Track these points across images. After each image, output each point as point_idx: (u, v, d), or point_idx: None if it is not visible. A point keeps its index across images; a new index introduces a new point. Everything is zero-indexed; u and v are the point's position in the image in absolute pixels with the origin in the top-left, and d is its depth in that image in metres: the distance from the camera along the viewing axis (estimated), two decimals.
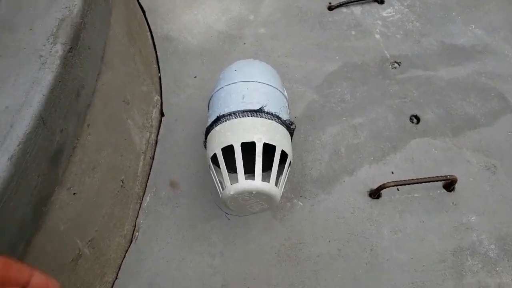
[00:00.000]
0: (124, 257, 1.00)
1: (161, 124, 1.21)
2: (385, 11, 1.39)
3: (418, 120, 1.14)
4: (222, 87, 0.88)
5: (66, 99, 0.77)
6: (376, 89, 1.20)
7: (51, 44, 0.78)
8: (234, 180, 0.78)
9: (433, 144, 1.09)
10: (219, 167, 0.86)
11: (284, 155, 0.82)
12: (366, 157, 1.08)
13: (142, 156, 1.11)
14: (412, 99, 1.17)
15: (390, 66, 1.25)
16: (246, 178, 0.76)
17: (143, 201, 1.08)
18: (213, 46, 1.35)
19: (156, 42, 1.38)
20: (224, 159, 0.80)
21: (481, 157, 1.05)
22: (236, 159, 0.76)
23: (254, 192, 0.76)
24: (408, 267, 0.92)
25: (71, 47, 0.79)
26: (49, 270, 0.77)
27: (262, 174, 0.76)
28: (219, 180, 0.83)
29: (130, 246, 1.02)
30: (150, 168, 1.13)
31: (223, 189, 0.79)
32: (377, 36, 1.32)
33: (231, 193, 0.76)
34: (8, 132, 0.66)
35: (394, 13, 1.38)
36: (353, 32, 1.34)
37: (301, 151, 1.10)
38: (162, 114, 1.23)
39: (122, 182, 1.00)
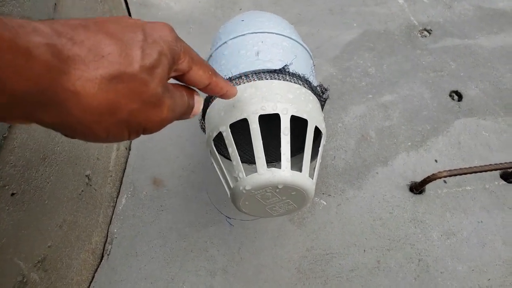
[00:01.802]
0: (93, 279, 0.74)
1: None
2: None
3: (460, 97, 0.92)
4: (225, 42, 0.64)
5: None
6: (406, 61, 0.98)
7: None
8: (250, 171, 0.53)
9: (483, 125, 0.88)
10: (223, 154, 0.62)
11: (317, 134, 0.59)
12: (401, 142, 0.86)
13: (115, 146, 0.85)
14: (450, 72, 0.96)
15: (419, 35, 1.03)
16: (269, 168, 0.52)
17: (117, 204, 0.82)
18: (202, 13, 1.11)
19: (131, 8, 1.12)
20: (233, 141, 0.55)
21: None
22: (253, 139, 0.52)
23: (280, 186, 0.52)
24: (469, 282, 0.70)
25: None
26: None
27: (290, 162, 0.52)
28: (225, 172, 0.58)
29: (101, 263, 0.76)
30: (126, 162, 0.88)
31: (233, 183, 0.55)
32: (400, 1, 1.10)
33: (247, 188, 0.52)
34: None
35: None
36: None
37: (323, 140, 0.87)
38: None
39: (88, 178, 0.74)
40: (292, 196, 0.55)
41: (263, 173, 0.51)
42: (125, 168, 0.87)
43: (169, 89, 0.29)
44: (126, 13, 1.08)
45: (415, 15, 1.07)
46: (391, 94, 0.93)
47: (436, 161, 0.84)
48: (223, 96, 0.39)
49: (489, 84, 0.94)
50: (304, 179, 0.52)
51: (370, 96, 0.93)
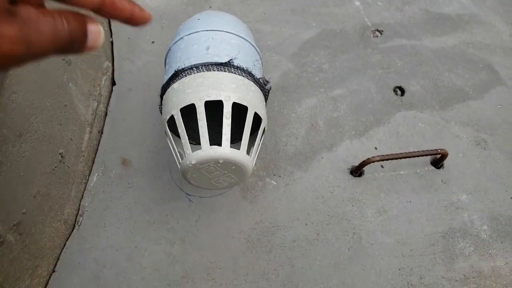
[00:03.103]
0: (64, 246, 0.84)
1: (112, 94, 1.04)
2: None
3: (403, 92, 1.03)
4: (182, 37, 0.73)
5: None
6: (357, 59, 1.09)
7: None
8: (197, 148, 0.63)
9: (420, 117, 0.98)
10: (177, 134, 0.71)
11: (257, 120, 0.68)
12: (346, 131, 0.97)
13: (88, 129, 0.94)
14: (396, 69, 1.07)
15: (371, 35, 1.14)
16: (211, 146, 0.61)
17: (88, 181, 0.91)
18: (175, 9, 1.19)
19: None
20: (184, 124, 0.65)
21: (471, 132, 0.96)
22: (198, 120, 0.62)
23: (221, 161, 0.62)
24: (395, 252, 0.81)
25: None
26: None
27: (230, 144, 0.62)
28: (177, 150, 0.68)
29: (72, 232, 0.85)
30: (98, 144, 0.97)
31: (182, 158, 0.64)
32: (357, 3, 1.20)
33: (193, 162, 0.62)
34: None
35: None
36: None
37: (275, 125, 0.97)
38: (113, 83, 1.06)
39: (61, 156, 0.83)
40: (232, 170, 0.65)
41: (206, 150, 0.61)
42: (97, 149, 0.95)
43: (12, 12, 0.22)
44: None
45: (369, 17, 1.17)
46: (341, 88, 1.03)
47: (376, 148, 0.94)
48: (130, 21, 0.30)
49: (429, 81, 1.05)
50: (241, 155, 0.62)
51: (322, 90, 1.03)
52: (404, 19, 1.17)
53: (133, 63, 1.09)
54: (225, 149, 0.61)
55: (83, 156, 0.91)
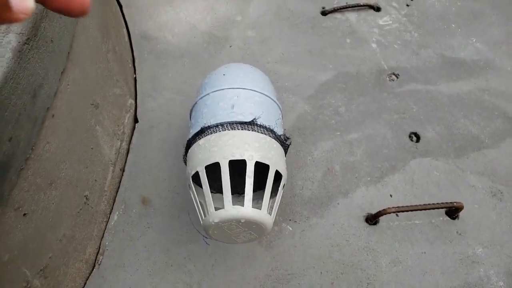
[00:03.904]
0: (85, 285, 0.86)
1: (135, 132, 1.07)
2: (382, 19, 1.31)
3: (418, 138, 1.05)
4: (208, 94, 0.76)
5: (18, 101, 0.63)
6: (373, 103, 1.11)
7: (2, 33, 0.64)
8: (219, 202, 0.66)
9: (435, 165, 1.00)
10: (201, 186, 0.73)
11: (277, 176, 0.71)
12: (362, 177, 0.98)
13: (111, 168, 0.97)
14: (411, 115, 1.08)
15: (387, 78, 1.16)
16: (233, 203, 0.64)
17: (109, 219, 0.94)
18: (196, 48, 1.23)
19: (132, 40, 1.24)
20: (207, 177, 0.68)
21: (487, 182, 0.97)
22: (222, 180, 0.64)
23: (242, 221, 0.64)
24: None
25: (28, 38, 0.65)
26: None
27: (252, 200, 0.65)
28: (200, 203, 0.70)
29: (92, 271, 0.88)
30: (120, 182, 1.00)
31: (205, 215, 0.67)
32: (374, 45, 1.23)
33: (215, 221, 0.64)
34: None
35: (391, 22, 1.30)
36: (348, 40, 1.25)
37: (292, 168, 1.00)
38: (136, 120, 1.09)
39: (86, 198, 0.86)
40: (253, 228, 0.67)
41: (229, 210, 0.63)
42: (118, 188, 0.98)
43: None
44: (128, 47, 1.20)
45: (386, 60, 1.20)
46: (357, 132, 1.05)
47: (391, 196, 0.96)
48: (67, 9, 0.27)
49: (444, 128, 1.06)
50: (262, 215, 0.65)
51: (338, 133, 1.05)
52: (420, 63, 1.19)
53: (155, 100, 1.12)
54: (247, 209, 0.63)
55: (106, 195, 0.94)
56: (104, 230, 0.93)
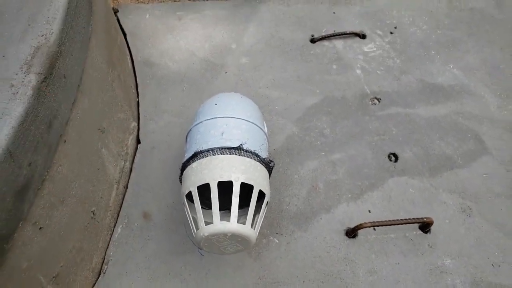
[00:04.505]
0: None
1: (137, 152, 1.18)
2: (367, 46, 1.41)
3: (396, 158, 1.14)
4: (201, 122, 0.87)
5: (36, 131, 0.74)
6: (356, 125, 1.21)
7: (24, 73, 0.75)
8: (209, 217, 0.76)
9: (411, 183, 1.09)
10: (190, 209, 0.83)
11: (261, 194, 0.81)
12: (343, 194, 1.08)
13: (115, 186, 1.07)
14: (391, 136, 1.18)
15: (370, 102, 1.26)
16: (221, 218, 0.74)
17: (114, 232, 1.04)
18: (194, 74, 1.34)
19: (136, 66, 1.36)
20: (199, 194, 0.78)
21: (457, 199, 1.06)
22: (212, 198, 0.74)
23: (229, 234, 0.74)
24: None
25: (45, 77, 0.76)
26: None
27: (238, 215, 0.74)
28: (193, 218, 0.80)
29: (98, 279, 0.98)
30: (123, 198, 1.10)
31: (196, 229, 0.77)
32: (358, 71, 1.34)
33: (205, 234, 0.74)
34: None
35: (375, 49, 1.40)
36: (334, 66, 1.35)
37: (279, 185, 1.09)
38: (138, 141, 1.20)
39: (93, 213, 0.96)
40: (239, 241, 0.77)
41: (217, 225, 0.73)
42: (122, 203, 1.09)
43: None
44: (132, 73, 1.32)
45: (369, 85, 1.30)
46: (340, 152, 1.15)
47: (369, 211, 1.05)
48: None
49: (421, 149, 1.16)
50: (247, 230, 0.74)
51: (323, 153, 1.15)
52: (401, 88, 1.29)
53: (156, 123, 1.23)
54: (232, 225, 0.73)
55: (110, 210, 1.04)
56: (109, 242, 1.03)
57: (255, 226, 0.78)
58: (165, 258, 0.99)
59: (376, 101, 1.26)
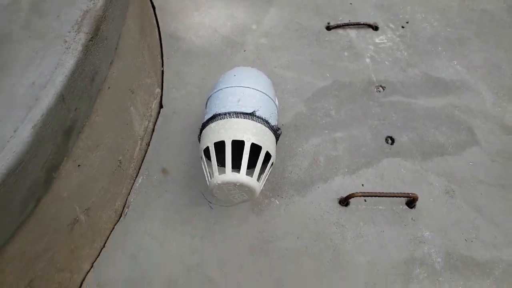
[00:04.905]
0: (113, 229, 1.10)
1: (159, 115, 1.31)
2: (378, 37, 1.51)
3: (393, 141, 1.25)
4: (221, 89, 0.99)
5: (82, 82, 0.87)
6: (360, 109, 1.32)
7: (75, 32, 0.88)
8: (222, 172, 0.88)
9: (403, 165, 1.21)
10: (209, 159, 0.96)
11: (268, 156, 0.93)
12: (341, 168, 1.20)
13: (139, 142, 1.21)
14: (390, 122, 1.29)
15: (375, 89, 1.37)
16: (232, 171, 0.87)
17: (135, 182, 1.18)
18: (216, 49, 1.46)
19: (162, 38, 1.48)
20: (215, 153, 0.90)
21: (443, 182, 1.18)
22: (226, 153, 0.87)
23: (238, 184, 0.87)
24: (364, 269, 1.04)
25: (92, 37, 0.90)
26: (50, 229, 0.87)
27: (246, 171, 0.87)
28: (208, 171, 0.93)
29: (119, 220, 1.12)
30: (145, 154, 1.23)
31: (211, 177, 0.90)
32: (367, 60, 1.44)
33: (218, 182, 0.87)
34: (33, 105, 0.76)
35: (386, 41, 1.50)
36: (346, 54, 1.46)
37: (284, 156, 1.22)
38: (161, 106, 1.33)
39: (120, 162, 1.10)
40: (245, 191, 0.90)
41: (229, 174, 0.86)
42: (143, 158, 1.22)
43: None
44: (159, 44, 1.44)
45: (376, 73, 1.41)
46: (342, 132, 1.27)
47: (362, 185, 1.17)
48: None
49: (416, 135, 1.27)
50: (253, 181, 0.88)
51: (326, 131, 1.27)
52: (406, 79, 1.40)
53: (178, 91, 1.36)
54: (242, 176, 0.86)
55: (134, 162, 1.18)
56: (130, 190, 1.17)
57: (260, 180, 0.91)
58: (179, 208, 1.13)
59: (381, 88, 1.37)
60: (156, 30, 1.49)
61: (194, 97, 1.34)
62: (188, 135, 1.26)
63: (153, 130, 1.27)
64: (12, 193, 0.72)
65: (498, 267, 1.04)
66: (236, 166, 0.90)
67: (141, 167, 1.20)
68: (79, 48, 0.85)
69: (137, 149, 1.19)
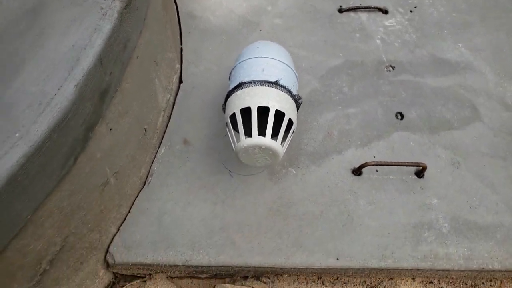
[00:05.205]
0: (138, 195, 1.16)
1: (179, 90, 1.36)
2: (388, 20, 1.58)
3: (402, 117, 1.32)
4: (245, 60, 1.05)
5: (117, 47, 0.92)
6: (371, 86, 1.38)
7: (112, 0, 0.93)
8: (248, 136, 0.94)
9: (412, 138, 1.27)
10: (235, 126, 1.02)
11: (290, 123, 0.99)
12: (354, 141, 1.26)
13: (162, 113, 1.26)
14: (400, 99, 1.36)
15: (385, 69, 1.43)
16: (258, 136, 0.93)
17: (158, 152, 1.23)
18: (232, 29, 1.52)
19: (180, 17, 1.53)
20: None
21: (449, 154, 1.24)
22: (252, 118, 0.93)
23: (263, 147, 0.93)
24: (376, 232, 1.11)
25: (126, 5, 0.94)
26: (84, 188, 0.92)
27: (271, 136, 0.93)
28: (234, 136, 0.99)
29: (143, 187, 1.18)
30: (167, 126, 1.29)
31: (238, 142, 0.96)
32: (378, 41, 1.50)
33: (245, 145, 0.93)
34: (75, 65, 0.81)
35: (395, 24, 1.56)
36: (357, 35, 1.52)
37: (300, 129, 1.28)
38: (180, 81, 1.38)
39: (145, 131, 1.15)
40: (269, 154, 0.96)
41: (254, 138, 0.92)
42: (165, 130, 1.28)
43: None
44: (177, 23, 1.49)
45: (386, 54, 1.47)
46: (355, 108, 1.33)
47: (374, 156, 1.24)
48: None
49: (424, 111, 1.33)
50: (277, 145, 0.94)
51: (340, 107, 1.33)
52: (414, 59, 1.46)
53: (197, 67, 1.41)
54: (267, 139, 0.92)
55: (157, 132, 1.23)
56: (153, 159, 1.22)
57: (283, 145, 0.97)
58: (201, 176, 1.19)
59: (390, 68, 1.44)
60: (175, 8, 1.54)
61: (212, 74, 1.39)
62: (207, 109, 1.31)
63: (173, 104, 1.33)
64: (55, 148, 0.77)
65: (499, 231, 1.11)
66: (260, 132, 0.96)
67: (164, 138, 1.26)
68: (115, 15, 0.90)
69: (160, 120, 1.25)
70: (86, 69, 0.81)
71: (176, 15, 1.52)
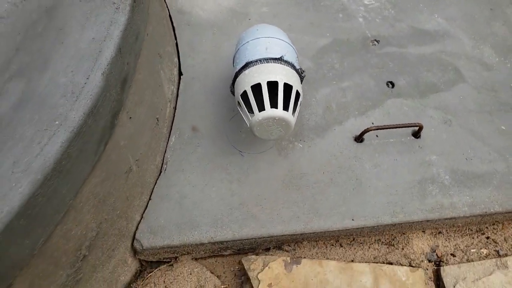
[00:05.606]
0: (156, 182, 1.20)
1: (181, 81, 1.41)
2: (367, 0, 1.67)
3: (393, 85, 1.41)
4: (247, 42, 1.11)
5: (131, 39, 0.97)
6: (360, 60, 1.47)
7: None
8: (262, 110, 1.00)
9: (405, 103, 1.37)
10: (246, 103, 1.08)
11: (297, 95, 1.06)
12: (351, 111, 1.35)
13: (169, 104, 1.31)
14: (388, 69, 1.45)
15: (371, 43, 1.52)
16: (271, 108, 0.99)
17: (169, 140, 1.28)
18: (222, 21, 1.58)
19: (172, 14, 1.58)
20: (248, 100, 1.02)
21: (440, 114, 1.34)
22: (263, 93, 1.00)
23: (276, 118, 1.00)
24: (384, 192, 1.19)
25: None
26: (111, 174, 0.97)
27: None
28: (247, 112, 1.05)
29: (160, 175, 1.22)
30: (174, 116, 1.34)
31: (251, 116, 1.02)
32: (360, 19, 1.59)
33: (259, 118, 0.99)
34: (98, 56, 0.86)
35: (374, 2, 1.66)
36: (340, 15, 1.61)
37: (301, 106, 1.35)
38: (180, 73, 1.43)
39: (157, 120, 1.20)
40: (282, 125, 1.03)
41: (268, 111, 0.99)
42: (173, 119, 1.33)
43: None
44: (169, 19, 1.54)
45: (369, 30, 1.56)
46: (348, 81, 1.41)
47: (372, 123, 1.32)
48: None
49: (412, 78, 1.43)
50: (289, 115, 1.00)
51: (334, 82, 1.41)
52: (395, 32, 1.56)
53: (194, 59, 1.47)
54: (279, 111, 0.99)
55: (166, 122, 1.28)
56: (166, 148, 1.27)
57: (294, 114, 1.04)
58: (213, 158, 1.24)
59: (375, 42, 1.53)
60: (166, 6, 1.59)
61: (209, 63, 1.45)
62: (209, 96, 1.37)
63: (177, 95, 1.38)
64: (90, 133, 0.82)
65: (495, 177, 1.22)
66: (272, 105, 1.02)
67: (172, 128, 1.31)
68: (128, 8, 0.96)
69: (168, 110, 1.30)
70: (109, 58, 0.86)
71: (167, 12, 1.57)
